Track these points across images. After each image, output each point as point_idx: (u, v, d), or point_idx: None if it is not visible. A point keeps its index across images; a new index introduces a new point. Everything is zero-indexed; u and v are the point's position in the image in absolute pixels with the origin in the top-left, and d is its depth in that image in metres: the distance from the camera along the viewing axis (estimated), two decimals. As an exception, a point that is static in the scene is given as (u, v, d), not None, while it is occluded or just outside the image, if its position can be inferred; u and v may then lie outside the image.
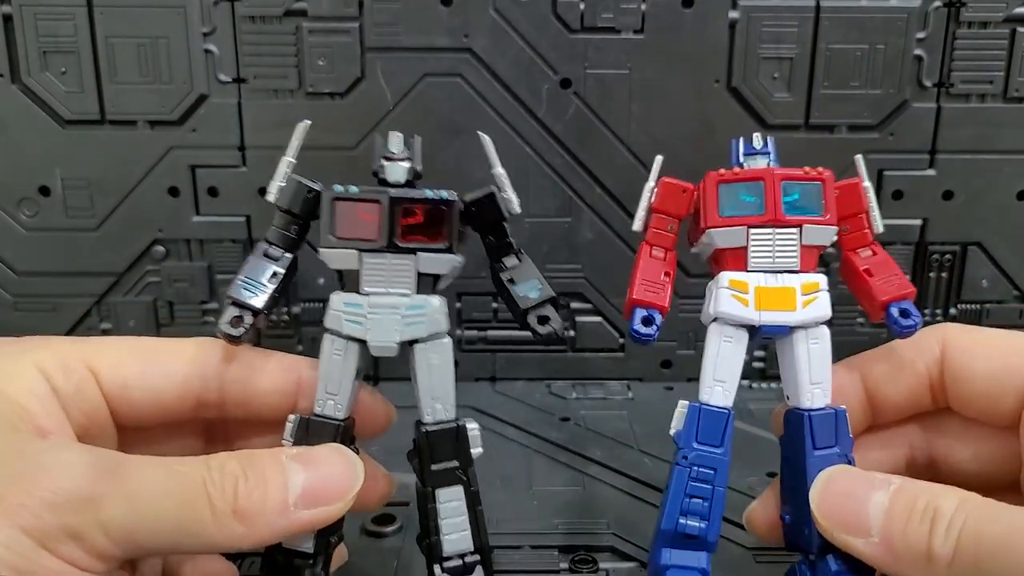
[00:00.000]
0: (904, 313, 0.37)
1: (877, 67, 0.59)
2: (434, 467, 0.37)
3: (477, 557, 0.37)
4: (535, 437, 0.57)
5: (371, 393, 0.39)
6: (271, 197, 0.37)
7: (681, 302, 0.63)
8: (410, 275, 0.36)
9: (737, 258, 0.37)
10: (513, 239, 0.38)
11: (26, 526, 0.28)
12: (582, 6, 0.59)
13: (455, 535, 0.37)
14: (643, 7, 0.59)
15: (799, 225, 0.37)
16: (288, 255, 0.38)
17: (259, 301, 0.37)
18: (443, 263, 0.37)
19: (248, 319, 0.36)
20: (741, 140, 0.39)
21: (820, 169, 0.37)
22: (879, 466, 0.38)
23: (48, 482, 0.29)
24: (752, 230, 0.37)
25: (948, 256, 0.63)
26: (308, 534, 0.35)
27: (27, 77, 0.59)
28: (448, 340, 0.37)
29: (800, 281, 0.37)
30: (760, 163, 0.38)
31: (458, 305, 0.64)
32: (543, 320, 0.37)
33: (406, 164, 0.37)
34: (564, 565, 0.43)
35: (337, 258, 0.36)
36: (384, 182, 0.37)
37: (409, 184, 0.37)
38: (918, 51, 0.59)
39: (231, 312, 0.36)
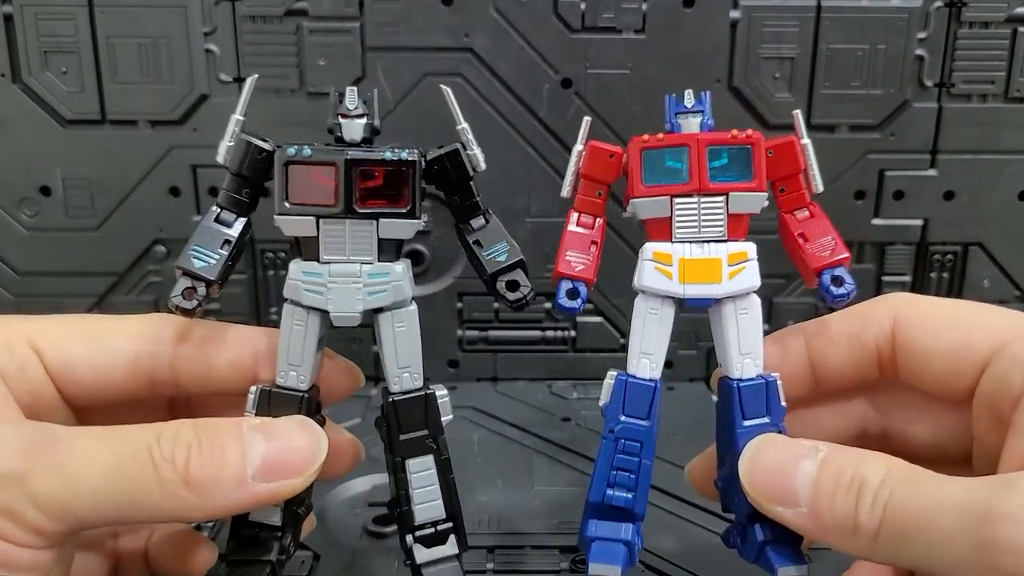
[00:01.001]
0: (837, 281, 0.35)
1: (878, 67, 0.59)
2: (403, 437, 0.35)
3: (449, 525, 0.36)
4: (536, 437, 0.57)
5: (335, 359, 0.38)
6: (220, 158, 0.35)
7: (682, 302, 0.63)
8: (371, 241, 0.34)
9: (662, 228, 0.36)
10: (481, 198, 0.37)
11: None
12: (583, 6, 0.59)
13: (426, 504, 0.36)
14: (644, 7, 0.59)
15: (725, 193, 0.35)
16: (241, 220, 0.35)
17: (212, 271, 0.34)
18: (405, 228, 0.34)
19: (201, 290, 0.34)
20: (672, 97, 0.37)
21: (749, 132, 0.35)
22: (830, 434, 0.38)
23: None
24: (676, 199, 0.35)
25: (949, 256, 0.63)
26: (274, 507, 0.35)
27: (28, 77, 0.59)
28: (414, 307, 0.35)
29: (727, 251, 0.35)
30: (693, 123, 0.36)
31: (459, 305, 0.64)
32: (512, 286, 0.36)
33: (363, 120, 0.34)
34: (565, 565, 0.43)
35: (292, 225, 0.34)
36: (340, 140, 0.35)
37: (367, 141, 0.35)
38: (919, 51, 0.59)
39: (183, 284, 0.34)
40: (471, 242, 0.36)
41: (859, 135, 0.61)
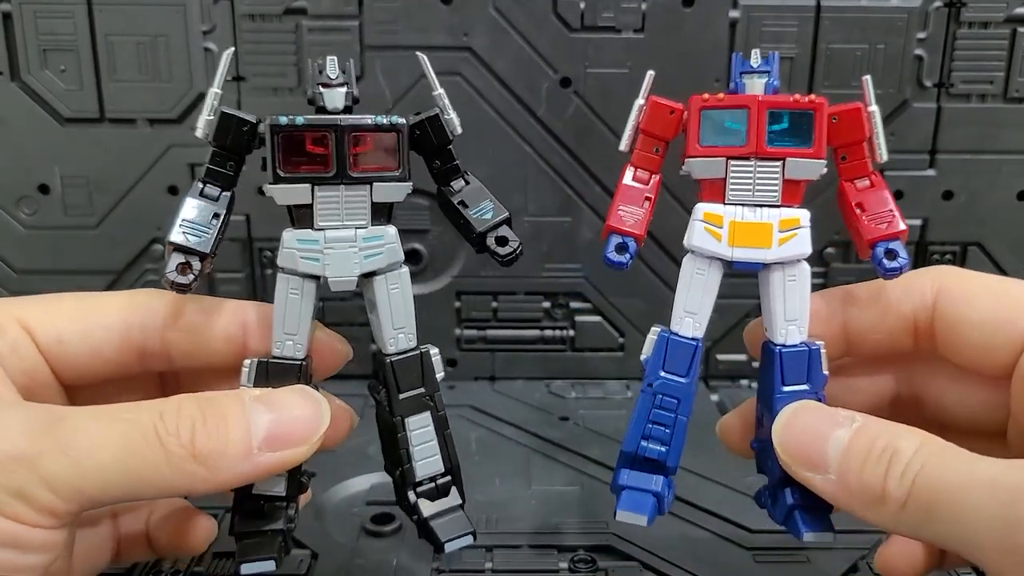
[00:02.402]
0: (890, 254, 0.35)
1: (877, 67, 0.59)
2: (402, 396, 0.36)
3: (448, 478, 0.37)
4: (534, 436, 0.57)
5: (325, 331, 0.38)
6: (200, 132, 0.34)
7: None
8: (365, 206, 0.35)
9: (715, 190, 0.35)
10: (459, 160, 0.37)
11: None
12: (582, 5, 0.59)
13: (426, 460, 0.37)
14: (643, 6, 0.59)
15: (782, 158, 0.35)
16: (226, 194, 0.35)
17: (206, 245, 0.34)
18: (397, 191, 0.35)
19: (196, 265, 0.34)
20: (739, 56, 0.36)
21: (812, 97, 0.35)
22: (864, 398, 0.38)
23: None
24: (732, 162, 0.35)
25: (948, 256, 0.63)
26: (278, 477, 0.35)
27: (26, 75, 0.59)
28: (405, 269, 0.36)
29: (779, 216, 0.35)
30: (757, 84, 0.35)
31: (457, 304, 0.64)
32: (502, 241, 0.37)
33: (343, 89, 0.35)
34: (563, 565, 0.43)
35: (287, 194, 0.34)
36: (322, 110, 0.35)
37: (347, 110, 0.35)
38: (918, 51, 0.59)
39: (176, 259, 0.34)
40: (456, 203, 0.37)
41: (858, 135, 0.61)
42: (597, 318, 0.65)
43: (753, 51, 0.36)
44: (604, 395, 0.63)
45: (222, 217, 0.35)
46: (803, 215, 0.35)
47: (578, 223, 0.62)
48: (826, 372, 0.36)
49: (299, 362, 0.35)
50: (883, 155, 0.35)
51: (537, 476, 0.52)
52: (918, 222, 0.62)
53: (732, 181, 0.35)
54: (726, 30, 0.59)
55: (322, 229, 0.35)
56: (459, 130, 0.37)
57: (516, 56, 0.59)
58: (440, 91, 0.36)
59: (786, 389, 0.35)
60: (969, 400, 0.37)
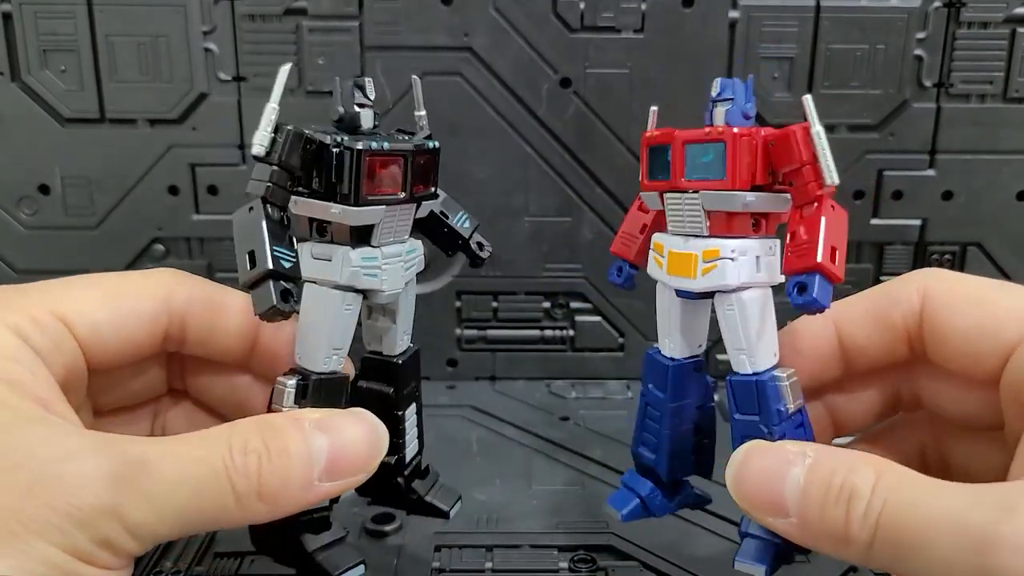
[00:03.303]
0: (801, 288, 0.32)
1: (877, 67, 0.59)
2: (405, 391, 0.38)
3: (420, 456, 0.40)
4: (535, 436, 0.57)
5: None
6: (260, 150, 0.33)
7: (681, 302, 0.63)
8: (409, 222, 0.37)
9: (662, 220, 0.37)
10: None
11: (58, 543, 0.28)
12: (582, 5, 0.59)
13: (411, 445, 0.40)
14: (643, 6, 0.59)
15: (697, 190, 0.35)
16: (285, 215, 0.34)
17: (297, 270, 0.33)
18: (431, 207, 0.38)
19: (296, 290, 0.32)
20: (715, 83, 0.36)
21: (721, 128, 0.34)
22: (867, 407, 0.38)
23: (69, 498, 0.28)
24: (666, 195, 0.36)
25: (948, 256, 0.63)
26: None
27: (27, 75, 0.59)
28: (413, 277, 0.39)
29: (703, 247, 0.35)
30: (720, 112, 0.35)
31: (457, 304, 0.64)
32: (481, 246, 0.40)
33: (372, 109, 0.36)
34: (564, 564, 0.43)
35: (364, 216, 0.34)
36: (355, 129, 0.35)
37: (375, 127, 0.36)
38: (918, 51, 0.59)
39: (277, 288, 0.31)
40: (439, 212, 0.39)
41: (858, 135, 0.61)
42: (597, 318, 0.65)
43: (715, 80, 0.36)
44: (604, 395, 0.64)
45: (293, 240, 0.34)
46: (723, 246, 0.34)
47: (578, 223, 0.63)
48: (789, 406, 0.34)
49: (345, 376, 0.36)
50: (832, 178, 0.32)
51: (537, 476, 0.52)
52: (917, 222, 0.62)
53: (669, 213, 0.37)
54: (726, 30, 0.59)
55: (379, 246, 0.35)
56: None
57: (516, 56, 0.60)
58: (423, 112, 0.39)
59: (738, 417, 0.35)
60: (964, 400, 0.37)
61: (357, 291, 0.35)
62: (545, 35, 0.59)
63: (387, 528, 0.46)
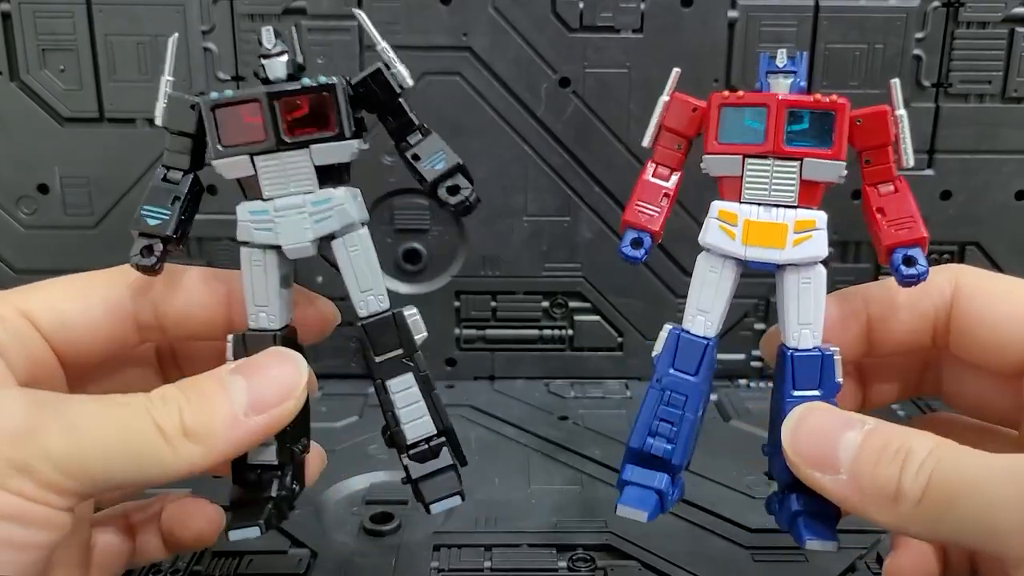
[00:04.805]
0: (909, 261, 0.34)
1: (876, 67, 0.59)
2: (379, 359, 0.36)
3: (442, 440, 0.36)
4: (533, 436, 0.57)
5: (308, 296, 0.39)
6: (157, 120, 0.35)
7: (679, 301, 0.63)
8: (308, 170, 0.35)
9: (732, 187, 0.35)
10: (414, 114, 0.36)
11: None
12: (581, 5, 0.59)
13: (415, 421, 0.36)
14: (642, 6, 0.59)
15: (800, 158, 0.34)
16: (188, 176, 0.36)
17: (165, 227, 0.35)
18: (339, 151, 0.35)
19: (158, 246, 0.35)
20: (766, 55, 0.36)
21: (835, 97, 0.34)
22: (883, 398, 0.39)
23: None
24: (749, 160, 0.35)
25: (946, 256, 0.63)
26: (267, 446, 0.35)
27: (26, 75, 0.59)
28: (364, 230, 0.36)
29: (795, 217, 0.35)
30: (783, 84, 0.35)
31: (456, 304, 0.64)
32: (453, 190, 0.36)
33: (283, 58, 0.35)
34: (562, 564, 0.43)
35: (229, 167, 0.35)
36: (266, 81, 0.35)
37: (292, 78, 0.35)
38: (917, 51, 0.59)
39: (140, 243, 0.35)
40: (409, 156, 0.36)
41: (857, 135, 0.61)
42: (596, 318, 0.65)
43: (779, 51, 0.35)
44: (603, 394, 0.64)
45: (182, 198, 0.36)
46: (819, 217, 0.35)
47: (577, 223, 0.63)
48: (839, 380, 0.35)
49: (273, 332, 0.35)
50: (909, 160, 0.35)
51: (536, 475, 0.52)
52: (916, 222, 0.63)
53: (748, 180, 0.35)
54: (725, 30, 0.59)
55: (271, 199, 0.35)
56: (408, 82, 0.36)
57: (515, 56, 0.60)
58: (384, 45, 0.36)
59: (796, 394, 0.35)
60: (982, 397, 0.37)
61: (264, 247, 0.35)
62: (544, 35, 0.59)
63: (385, 528, 0.46)
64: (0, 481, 0.28)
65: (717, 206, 0.35)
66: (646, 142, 0.37)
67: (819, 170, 0.34)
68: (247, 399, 0.32)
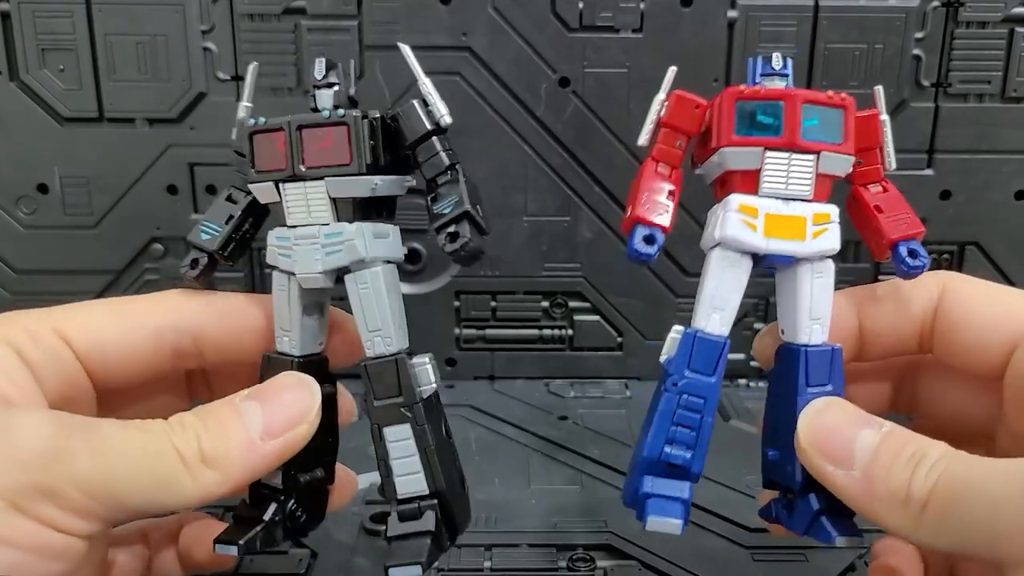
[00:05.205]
0: (912, 253, 0.35)
1: (875, 67, 0.59)
2: (377, 404, 0.34)
3: (433, 501, 0.34)
4: (533, 436, 0.57)
5: (341, 320, 0.38)
6: (234, 143, 0.37)
7: (680, 301, 0.63)
8: (325, 202, 0.35)
9: (748, 181, 0.35)
10: (447, 154, 0.35)
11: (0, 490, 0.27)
12: (581, 5, 0.59)
13: (407, 476, 0.34)
14: (642, 6, 0.59)
15: (817, 152, 0.34)
16: (247, 198, 0.37)
17: (212, 243, 0.37)
18: (353, 186, 0.34)
19: (204, 260, 0.37)
20: (760, 59, 0.36)
21: (843, 95, 0.35)
22: (867, 396, 0.38)
23: (15, 442, 0.28)
24: (768, 152, 0.34)
25: (946, 256, 0.63)
26: (277, 471, 0.35)
27: (25, 74, 0.59)
28: (378, 268, 0.35)
29: (812, 210, 0.34)
30: (778, 85, 0.35)
31: (456, 303, 0.64)
32: (453, 237, 0.34)
33: (332, 89, 0.36)
34: (562, 563, 0.43)
35: (260, 191, 0.36)
36: (315, 110, 0.35)
37: (339, 108, 0.35)
38: (916, 51, 0.59)
39: (190, 255, 0.37)
40: (429, 199, 0.35)
41: (856, 134, 0.61)
42: (596, 317, 0.65)
43: (774, 54, 0.36)
44: (603, 394, 0.64)
45: (236, 218, 0.37)
46: (833, 210, 0.35)
47: (577, 223, 0.63)
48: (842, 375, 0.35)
49: (292, 358, 0.35)
50: (892, 163, 0.37)
51: (536, 475, 0.52)
52: (916, 222, 0.63)
53: (768, 172, 0.34)
54: (724, 30, 0.59)
55: (294, 226, 0.35)
56: (447, 120, 0.35)
57: (515, 56, 0.60)
58: (424, 80, 0.36)
59: (811, 391, 0.34)
60: (962, 404, 0.37)
61: (287, 273, 0.36)
62: (544, 35, 0.59)
63: (385, 528, 0.46)
64: (24, 506, 0.28)
65: (736, 200, 0.35)
66: (642, 140, 0.37)
67: (834, 163, 0.35)
68: (262, 424, 0.32)
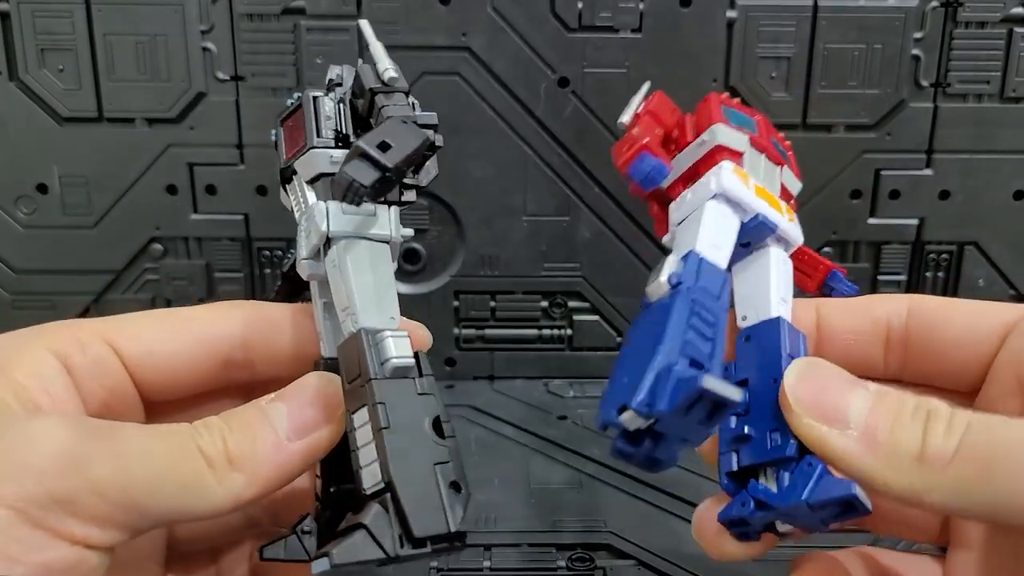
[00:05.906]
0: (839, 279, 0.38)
1: (874, 67, 0.59)
2: (347, 388, 0.31)
3: (385, 494, 0.28)
4: (533, 436, 0.57)
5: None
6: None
7: (678, 301, 0.63)
8: (310, 191, 0.34)
9: (733, 159, 0.37)
10: (385, 107, 0.34)
11: (10, 500, 0.26)
12: (580, 5, 0.59)
13: (369, 466, 0.29)
14: (641, 6, 0.59)
15: (782, 165, 0.39)
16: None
17: (285, 264, 0.37)
18: (313, 159, 0.34)
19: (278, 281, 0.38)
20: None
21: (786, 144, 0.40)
22: None
23: (28, 448, 0.27)
24: (751, 145, 0.38)
25: (945, 256, 0.63)
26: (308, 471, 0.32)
27: (24, 74, 0.59)
28: (344, 242, 0.33)
29: (784, 205, 0.37)
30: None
31: (455, 303, 0.64)
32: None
33: (333, 92, 0.36)
34: (562, 563, 0.43)
35: (285, 200, 0.37)
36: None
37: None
38: (915, 51, 0.59)
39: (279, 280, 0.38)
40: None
41: (855, 135, 0.61)
42: (595, 317, 0.65)
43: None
44: (602, 394, 0.63)
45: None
46: (795, 216, 0.37)
47: (576, 222, 0.63)
48: None
49: (321, 360, 0.34)
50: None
51: (536, 475, 0.52)
52: (915, 222, 0.63)
53: (749, 160, 0.37)
54: (723, 30, 0.59)
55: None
56: (391, 73, 0.34)
57: (514, 56, 0.60)
58: (375, 44, 0.35)
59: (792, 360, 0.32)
60: None
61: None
62: (543, 35, 0.59)
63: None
64: (36, 516, 0.27)
65: (729, 164, 0.36)
66: (625, 118, 0.40)
67: (790, 181, 0.39)
68: (288, 424, 0.31)
